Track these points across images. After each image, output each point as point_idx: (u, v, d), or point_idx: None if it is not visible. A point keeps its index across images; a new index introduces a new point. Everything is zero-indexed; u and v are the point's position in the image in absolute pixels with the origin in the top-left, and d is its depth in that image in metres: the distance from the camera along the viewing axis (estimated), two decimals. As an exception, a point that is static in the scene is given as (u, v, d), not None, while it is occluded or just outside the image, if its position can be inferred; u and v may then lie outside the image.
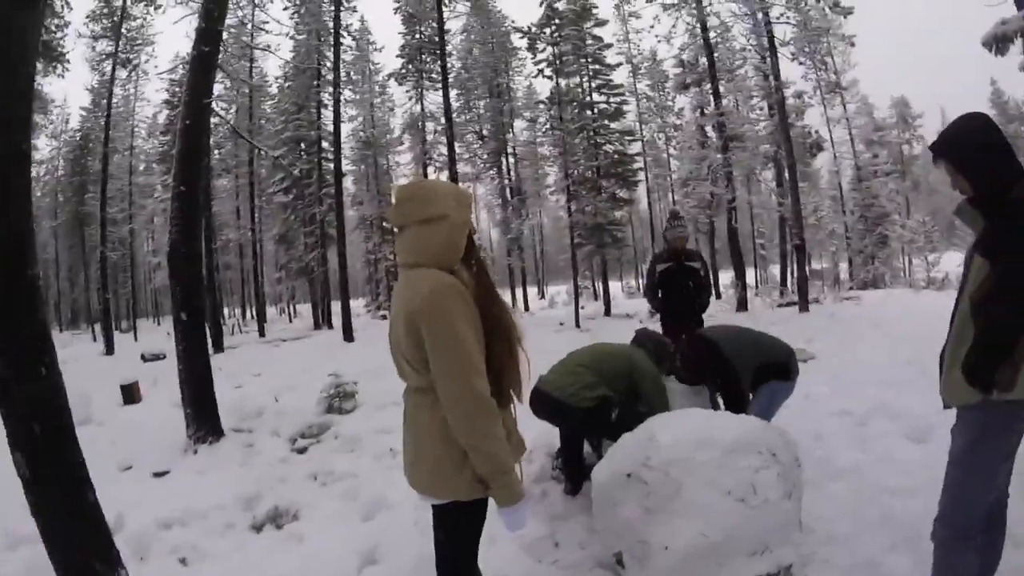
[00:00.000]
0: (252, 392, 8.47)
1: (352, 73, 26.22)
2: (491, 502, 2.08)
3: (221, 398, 6.51)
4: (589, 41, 21.60)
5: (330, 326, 23.49)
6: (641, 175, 26.90)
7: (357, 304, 27.81)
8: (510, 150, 28.71)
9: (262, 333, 22.19)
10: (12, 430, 2.52)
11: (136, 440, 6.27)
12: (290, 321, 34.39)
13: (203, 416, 6.17)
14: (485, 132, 28.20)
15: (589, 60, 21.68)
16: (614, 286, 26.26)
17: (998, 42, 3.52)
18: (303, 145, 24.23)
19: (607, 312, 20.23)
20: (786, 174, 18.25)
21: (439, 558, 2.23)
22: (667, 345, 4.33)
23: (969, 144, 2.20)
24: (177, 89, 23.16)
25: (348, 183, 26.63)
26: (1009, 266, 2.01)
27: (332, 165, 20.38)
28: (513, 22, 26.51)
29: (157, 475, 5.51)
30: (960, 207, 2.27)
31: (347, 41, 23.05)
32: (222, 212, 28.51)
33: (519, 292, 31.23)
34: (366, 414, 6.78)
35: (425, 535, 2.42)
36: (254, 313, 28.47)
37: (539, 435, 4.10)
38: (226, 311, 32.14)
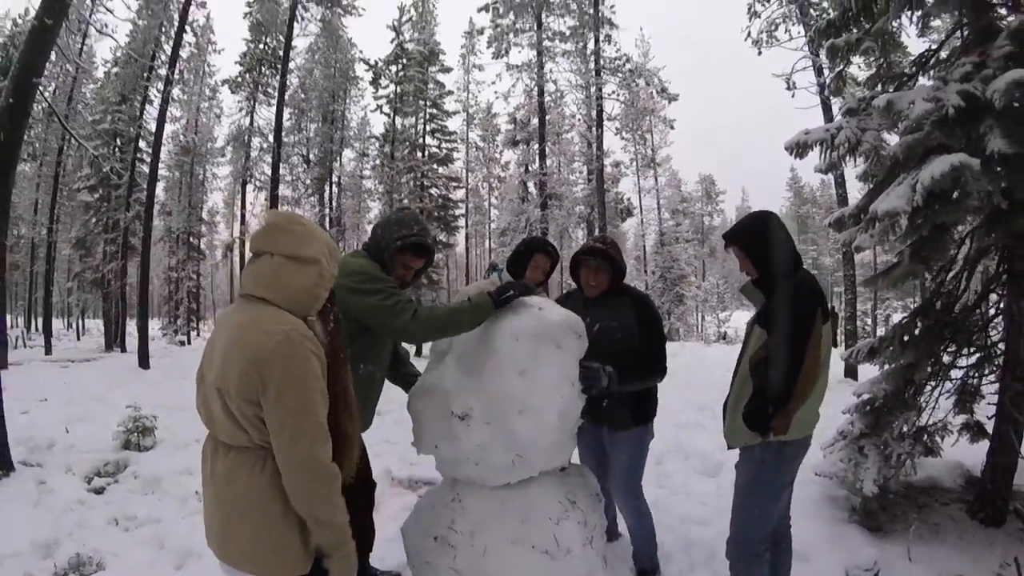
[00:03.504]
0: (40, 420, 7.40)
1: (185, 71, 24.18)
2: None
3: (8, 425, 5.60)
4: (431, 85, 22.14)
5: (123, 348, 21.02)
6: (462, 221, 27.63)
7: (152, 325, 25.29)
8: (335, 179, 27.93)
9: (48, 350, 19.31)
10: None
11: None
12: (78, 338, 30.17)
13: None
14: (312, 157, 27.36)
15: (428, 104, 22.15)
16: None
17: (799, 148, 4.19)
18: (119, 141, 21.35)
19: (418, 352, 20.26)
20: (596, 233, 19.83)
21: None
22: (392, 224, 2.86)
23: (755, 235, 2.66)
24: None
25: (159, 190, 24.12)
26: (782, 339, 2.46)
27: (146, 168, 18.56)
28: (361, 52, 26.36)
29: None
30: (745, 286, 2.77)
31: (187, 36, 21.25)
32: (18, 204, 24.24)
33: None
34: (167, 452, 6.21)
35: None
36: (39, 326, 24.94)
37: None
38: (8, 319, 27.68)
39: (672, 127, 24.17)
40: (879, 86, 4.75)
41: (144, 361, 14.47)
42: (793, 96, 11.90)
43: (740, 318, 35.78)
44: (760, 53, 13.16)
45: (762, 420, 2.49)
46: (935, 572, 3.46)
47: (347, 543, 1.85)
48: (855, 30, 5.03)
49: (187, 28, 18.53)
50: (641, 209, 32.80)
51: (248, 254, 1.99)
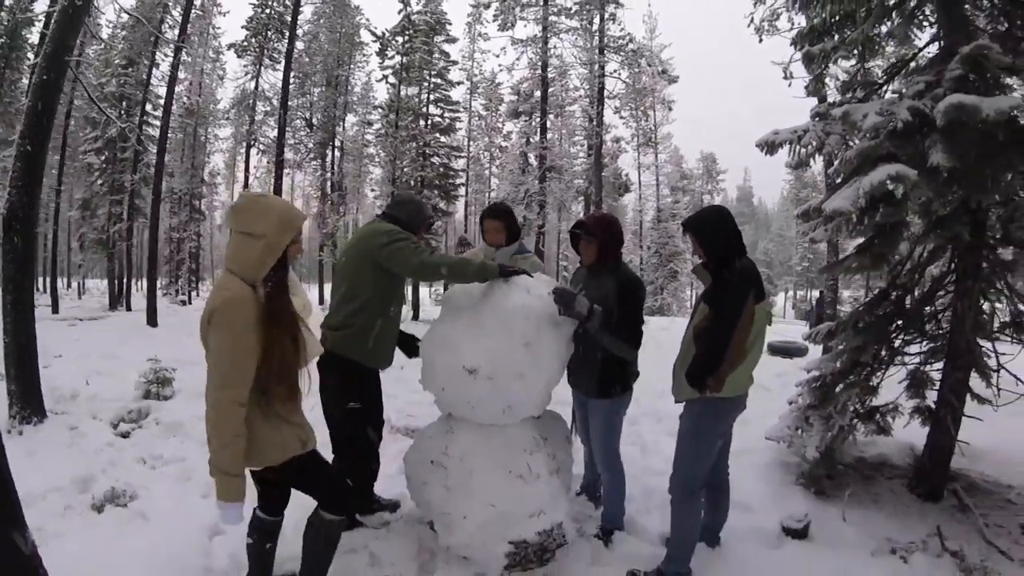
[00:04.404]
0: (59, 373, 7.83)
1: (191, 34, 24.35)
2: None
3: (33, 377, 6.08)
4: (436, 55, 22.21)
5: (128, 307, 21.38)
6: (463, 190, 27.88)
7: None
8: (337, 143, 27.97)
9: (55, 309, 19.66)
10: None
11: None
12: (79, 297, 30.29)
13: (28, 395, 5.82)
14: (315, 121, 27.39)
15: (433, 74, 22.26)
16: (423, 292, 26.72)
17: (769, 146, 4.57)
18: (125, 104, 21.30)
19: (415, 316, 20.70)
20: (593, 208, 20.23)
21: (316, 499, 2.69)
22: (421, 206, 3.72)
23: (709, 226, 3.17)
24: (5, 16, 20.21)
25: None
26: (719, 315, 2.98)
27: (151, 130, 18.84)
28: (367, 20, 26.34)
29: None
30: (696, 267, 3.29)
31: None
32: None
33: (328, 288, 30.55)
34: (185, 401, 6.69)
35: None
36: (44, 286, 25.06)
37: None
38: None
39: (671, 108, 24.44)
40: (852, 92, 5.12)
41: (152, 319, 14.90)
42: (790, 85, 12.06)
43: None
44: (761, 40, 13.27)
45: (700, 379, 2.98)
46: (865, 534, 3.87)
47: (222, 472, 2.28)
48: (836, 36, 5.37)
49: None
50: (640, 185, 33.13)
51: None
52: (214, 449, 2.27)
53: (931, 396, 4.65)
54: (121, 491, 4.26)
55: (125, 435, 5.74)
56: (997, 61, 3.59)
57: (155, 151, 18.47)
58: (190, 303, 26.50)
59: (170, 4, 19.95)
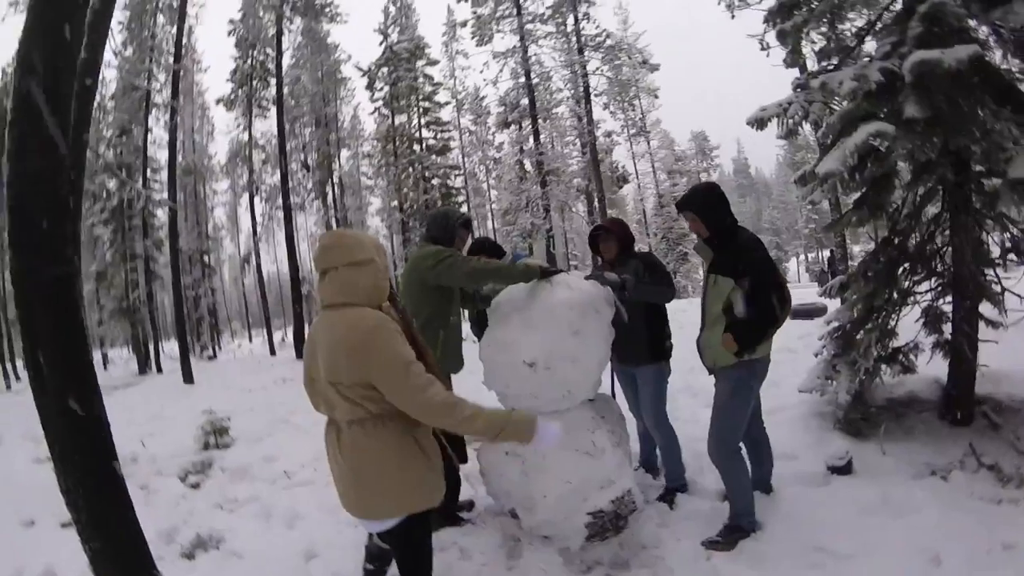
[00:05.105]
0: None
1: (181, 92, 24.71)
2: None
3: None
4: (421, 79, 22.69)
5: (159, 370, 21.75)
6: (464, 207, 28.26)
7: (173, 345, 25.72)
8: (335, 180, 28.11)
9: None
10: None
11: (25, 491, 5.65)
12: (104, 368, 30.36)
13: None
14: (310, 161, 27.71)
15: (421, 98, 22.71)
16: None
17: (759, 122, 4.89)
18: (123, 172, 21.74)
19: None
20: (596, 203, 20.60)
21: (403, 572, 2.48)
22: (447, 214, 4.11)
23: (708, 202, 3.47)
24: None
25: (164, 213, 24.73)
26: (760, 280, 3.26)
27: (154, 195, 19.35)
28: (348, 56, 26.76)
29: (66, 525, 4.72)
30: (698, 245, 3.60)
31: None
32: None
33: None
34: (245, 447, 6.91)
35: (354, 528, 2.82)
36: None
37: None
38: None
39: (656, 96, 24.80)
40: (828, 59, 5.43)
41: (188, 376, 15.12)
42: (768, 56, 12.31)
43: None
44: (733, 16, 13.53)
45: (748, 343, 3.28)
46: (905, 462, 4.17)
47: (500, 429, 2.25)
48: (804, 8, 5.67)
49: (183, 52, 19.03)
50: (637, 174, 33.45)
51: (315, 273, 2.45)
52: (478, 430, 2.21)
53: (947, 329, 4.85)
54: (207, 537, 4.37)
55: (195, 486, 5.87)
56: (953, 13, 3.93)
57: (161, 214, 18.91)
58: (215, 357, 26.94)
59: (155, 69, 20.37)
